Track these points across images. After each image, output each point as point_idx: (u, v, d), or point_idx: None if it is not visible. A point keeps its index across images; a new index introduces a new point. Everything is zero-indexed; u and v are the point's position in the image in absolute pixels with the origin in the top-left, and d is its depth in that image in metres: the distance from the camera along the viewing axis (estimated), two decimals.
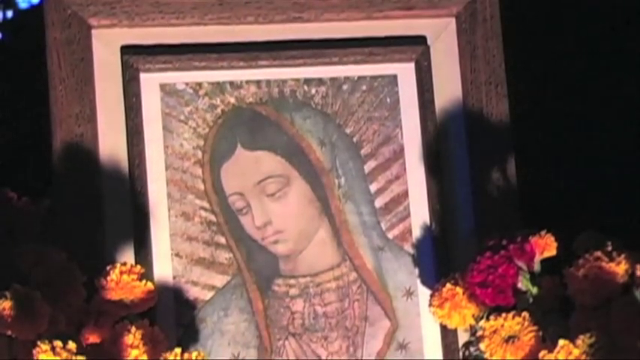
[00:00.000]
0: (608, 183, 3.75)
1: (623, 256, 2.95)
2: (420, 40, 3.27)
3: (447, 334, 3.12)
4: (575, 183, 3.74)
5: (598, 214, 3.47)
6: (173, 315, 3.07)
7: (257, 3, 3.27)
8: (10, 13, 2.76)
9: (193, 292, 3.11)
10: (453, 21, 3.29)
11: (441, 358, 3.17)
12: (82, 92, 3.13)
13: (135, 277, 2.92)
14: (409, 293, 3.16)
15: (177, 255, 3.11)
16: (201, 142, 3.16)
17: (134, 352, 2.75)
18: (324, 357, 3.16)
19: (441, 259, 3.17)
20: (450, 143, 3.26)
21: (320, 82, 3.22)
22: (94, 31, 3.16)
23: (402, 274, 3.17)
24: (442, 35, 3.31)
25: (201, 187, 3.16)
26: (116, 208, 3.12)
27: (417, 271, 3.20)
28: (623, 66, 3.86)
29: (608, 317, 2.93)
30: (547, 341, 2.94)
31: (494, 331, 2.94)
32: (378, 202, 3.19)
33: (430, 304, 3.04)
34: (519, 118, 3.40)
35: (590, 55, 3.94)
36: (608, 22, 3.96)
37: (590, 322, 2.93)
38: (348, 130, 3.22)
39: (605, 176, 3.76)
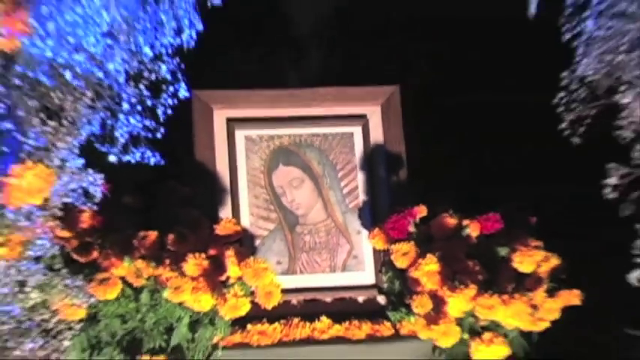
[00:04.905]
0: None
1: (454, 214, 3.41)
2: (363, 115, 3.67)
3: (376, 252, 3.57)
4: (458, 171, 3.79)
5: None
6: (250, 242, 3.53)
7: (299, 94, 3.63)
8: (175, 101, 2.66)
9: (259, 231, 3.57)
10: (378, 109, 3.68)
11: (373, 263, 3.58)
12: (208, 142, 3.58)
13: (233, 224, 3.38)
14: (358, 232, 3.62)
15: (252, 214, 3.58)
16: (264, 162, 3.61)
17: (231, 258, 3.15)
18: (319, 262, 3.55)
19: (374, 217, 3.59)
20: (379, 167, 3.63)
21: (318, 135, 3.66)
22: (214, 111, 3.61)
23: (356, 224, 3.61)
24: (375, 114, 3.67)
25: (262, 183, 3.60)
26: (225, 194, 3.56)
27: (362, 222, 3.62)
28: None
29: (448, 245, 3.38)
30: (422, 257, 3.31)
31: (398, 251, 3.36)
32: (344, 190, 3.63)
33: (369, 238, 3.53)
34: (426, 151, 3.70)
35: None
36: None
37: (443, 248, 3.34)
38: (331, 157, 3.66)
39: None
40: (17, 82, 2.39)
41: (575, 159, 2.79)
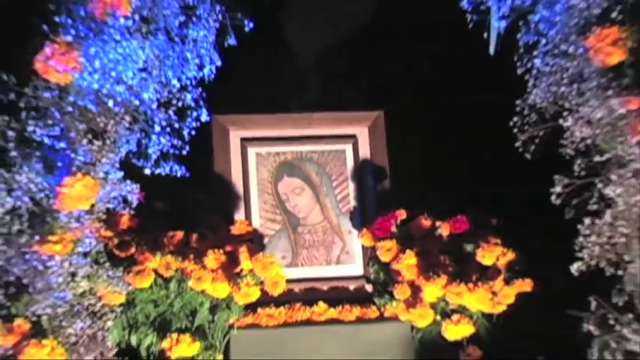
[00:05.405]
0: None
1: (429, 217, 3.45)
2: (354, 135, 3.71)
3: (365, 249, 3.60)
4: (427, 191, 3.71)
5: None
6: (260, 240, 3.56)
7: (300, 118, 3.69)
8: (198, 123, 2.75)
9: (267, 231, 3.60)
10: (366, 130, 3.72)
11: (362, 257, 3.61)
12: (225, 157, 3.61)
13: (246, 225, 3.45)
14: (350, 232, 3.65)
15: (261, 217, 3.61)
16: (271, 174, 3.64)
17: (244, 253, 3.21)
18: (317, 257, 3.59)
19: (362, 219, 3.62)
20: (366, 178, 3.68)
21: (316, 152, 3.68)
22: (230, 132, 3.65)
23: (348, 225, 3.65)
24: (363, 134, 3.71)
25: (270, 191, 3.64)
26: (239, 200, 3.58)
27: (353, 223, 3.65)
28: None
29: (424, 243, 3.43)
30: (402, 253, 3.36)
31: (383, 247, 3.39)
32: (338, 197, 3.67)
33: (359, 236, 3.56)
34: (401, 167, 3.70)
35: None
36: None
37: (420, 245, 3.39)
38: (327, 169, 3.69)
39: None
40: (69, 109, 2.46)
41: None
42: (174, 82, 2.70)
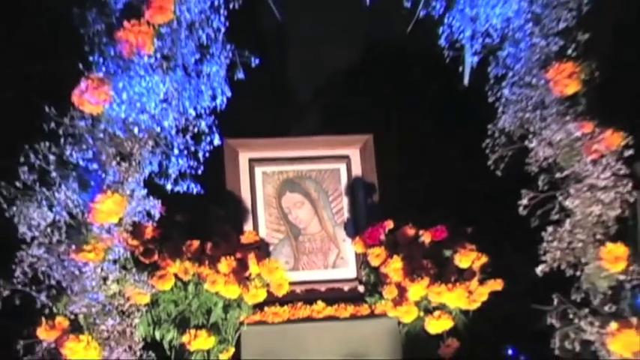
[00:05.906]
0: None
1: (413, 226, 3.48)
2: (347, 156, 3.71)
3: (357, 255, 3.60)
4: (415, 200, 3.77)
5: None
6: (266, 248, 3.56)
7: (300, 141, 3.71)
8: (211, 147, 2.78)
9: (272, 240, 3.60)
10: (357, 151, 3.72)
11: (355, 262, 3.60)
12: (236, 176, 3.61)
13: (254, 235, 3.47)
14: (344, 240, 3.65)
15: (267, 228, 3.61)
16: (275, 190, 3.64)
17: (252, 259, 3.25)
18: (316, 262, 3.59)
19: (355, 229, 3.62)
20: (358, 193, 3.69)
21: (314, 170, 3.69)
22: (240, 154, 3.65)
23: (342, 234, 3.66)
24: (355, 155, 3.71)
25: (274, 204, 3.64)
26: (247, 213, 3.59)
27: (347, 232, 3.66)
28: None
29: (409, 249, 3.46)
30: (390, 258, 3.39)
31: (373, 253, 3.41)
32: (334, 210, 3.68)
33: (352, 244, 3.58)
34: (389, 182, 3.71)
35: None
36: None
37: (405, 251, 3.43)
38: (324, 186, 3.70)
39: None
40: (101, 135, 2.53)
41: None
42: (191, 111, 2.74)
